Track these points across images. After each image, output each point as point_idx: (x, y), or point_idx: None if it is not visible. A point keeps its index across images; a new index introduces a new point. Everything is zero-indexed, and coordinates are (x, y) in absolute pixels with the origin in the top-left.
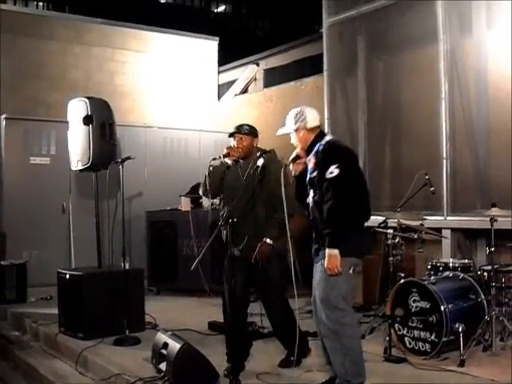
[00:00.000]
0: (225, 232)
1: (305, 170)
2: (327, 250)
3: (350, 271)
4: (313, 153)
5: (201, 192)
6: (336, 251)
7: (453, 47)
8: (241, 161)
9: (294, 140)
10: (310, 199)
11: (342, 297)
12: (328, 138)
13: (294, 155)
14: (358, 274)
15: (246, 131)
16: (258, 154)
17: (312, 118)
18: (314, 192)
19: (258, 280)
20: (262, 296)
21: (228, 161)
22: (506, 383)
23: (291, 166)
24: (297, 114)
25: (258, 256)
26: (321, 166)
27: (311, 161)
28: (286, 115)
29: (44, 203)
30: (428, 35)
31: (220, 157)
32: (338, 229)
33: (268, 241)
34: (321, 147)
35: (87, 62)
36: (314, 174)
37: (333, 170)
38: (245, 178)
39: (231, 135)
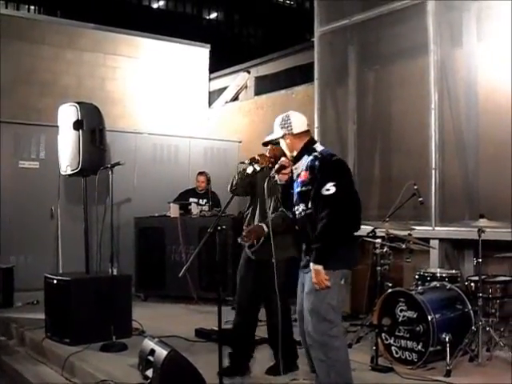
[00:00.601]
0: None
1: (290, 179)
2: (312, 265)
3: (342, 282)
4: (304, 165)
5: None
6: (321, 267)
7: (443, 58)
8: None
9: (283, 147)
10: (299, 211)
11: (333, 308)
12: (319, 148)
13: (277, 166)
14: (347, 285)
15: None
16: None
17: (298, 124)
18: (306, 205)
19: (265, 280)
20: (266, 297)
21: (257, 167)
22: None
23: (276, 176)
24: (282, 120)
25: (246, 235)
26: (316, 181)
27: (302, 174)
28: None
29: (32, 207)
30: (418, 47)
31: (250, 162)
32: (327, 245)
33: (264, 227)
34: (315, 162)
35: (79, 68)
36: (308, 187)
37: (329, 188)
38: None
39: (265, 144)
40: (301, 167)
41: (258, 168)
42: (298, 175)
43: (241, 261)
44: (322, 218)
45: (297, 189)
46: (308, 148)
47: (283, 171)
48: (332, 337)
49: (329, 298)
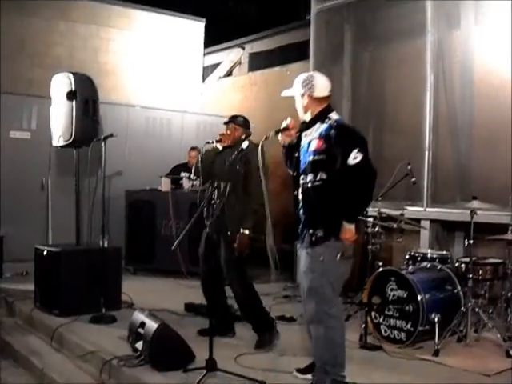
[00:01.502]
0: (205, 212)
1: (297, 143)
2: (348, 225)
3: (338, 257)
4: (317, 133)
5: (193, 174)
6: (353, 226)
7: (440, 40)
8: (229, 150)
9: (297, 104)
10: (306, 181)
11: (331, 285)
12: (334, 116)
13: (283, 126)
14: (348, 260)
15: (240, 123)
16: (243, 137)
17: (321, 88)
18: (315, 176)
19: (220, 259)
20: (226, 275)
21: (219, 146)
22: (478, 373)
23: (279, 136)
24: (306, 79)
25: (238, 247)
26: (336, 149)
27: (314, 142)
28: (269, 99)
29: (23, 178)
30: (416, 28)
31: (213, 141)
32: (361, 208)
33: (246, 232)
34: (331, 131)
35: (71, 39)
36: (322, 157)
37: (356, 156)
38: (228, 163)
39: (226, 123)
40: (313, 134)
41: (220, 147)
42: (309, 143)
43: (202, 238)
44: (355, 186)
45: (308, 157)
46: (323, 115)
47: (286, 132)
48: (331, 316)
49: (327, 275)
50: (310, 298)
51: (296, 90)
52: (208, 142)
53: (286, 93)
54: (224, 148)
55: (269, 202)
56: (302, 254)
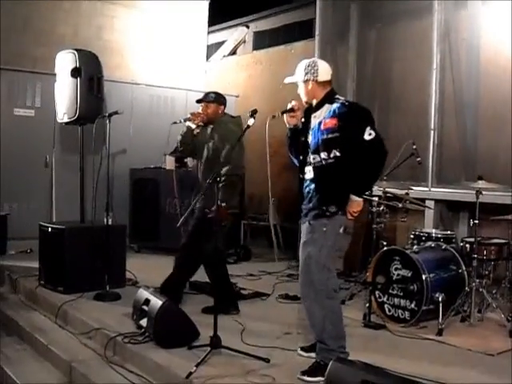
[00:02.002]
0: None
1: (303, 127)
2: (357, 198)
3: (341, 230)
4: (328, 113)
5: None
6: (361, 200)
7: (447, 19)
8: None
9: (301, 91)
10: (317, 160)
11: (330, 256)
12: (342, 98)
13: (288, 107)
14: (348, 235)
15: (211, 99)
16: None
17: (324, 72)
18: (329, 154)
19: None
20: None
21: (191, 125)
22: (481, 353)
23: (284, 117)
24: (308, 65)
25: (219, 219)
26: (350, 126)
27: (326, 121)
28: (274, 78)
29: (27, 156)
30: (422, 6)
31: (181, 121)
32: (367, 182)
33: (224, 204)
34: (343, 108)
35: (76, 17)
36: (336, 134)
37: (371, 132)
38: (205, 140)
39: (198, 101)
40: (322, 115)
41: (192, 125)
42: (320, 123)
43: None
44: (368, 161)
45: (320, 136)
46: (330, 97)
47: (292, 114)
48: (329, 287)
49: (327, 245)
50: (309, 267)
51: (299, 77)
52: (175, 122)
53: (288, 79)
54: (204, 125)
55: (271, 182)
56: (304, 227)
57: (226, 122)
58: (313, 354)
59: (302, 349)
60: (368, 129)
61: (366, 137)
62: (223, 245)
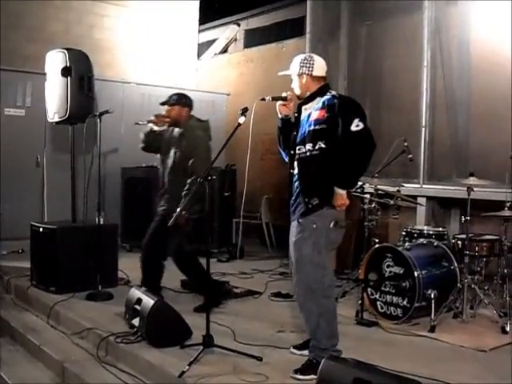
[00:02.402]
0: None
1: (296, 121)
2: (341, 190)
3: (331, 225)
4: (318, 105)
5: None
6: (344, 191)
7: (437, 15)
8: (176, 129)
9: (295, 84)
10: (303, 151)
11: (323, 253)
12: (334, 92)
13: (283, 95)
14: (341, 229)
15: (173, 101)
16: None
17: (319, 67)
18: (314, 145)
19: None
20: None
21: (154, 127)
22: (474, 349)
23: (277, 106)
24: (304, 59)
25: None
26: (338, 118)
27: (315, 113)
28: (265, 76)
29: (18, 156)
30: (413, 3)
31: (144, 122)
32: (357, 175)
33: (184, 213)
34: (332, 100)
35: (67, 15)
36: (323, 126)
37: (358, 124)
38: (175, 144)
39: (162, 104)
40: (313, 107)
41: (155, 128)
42: (309, 114)
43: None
44: (354, 152)
45: (308, 128)
46: (322, 91)
47: (284, 102)
48: (324, 285)
49: (319, 242)
50: (303, 267)
51: (294, 70)
52: (138, 123)
53: (284, 72)
54: (169, 127)
55: (264, 180)
56: (293, 225)
57: (193, 127)
58: (305, 352)
59: (295, 347)
60: (356, 120)
61: (353, 128)
62: (188, 243)
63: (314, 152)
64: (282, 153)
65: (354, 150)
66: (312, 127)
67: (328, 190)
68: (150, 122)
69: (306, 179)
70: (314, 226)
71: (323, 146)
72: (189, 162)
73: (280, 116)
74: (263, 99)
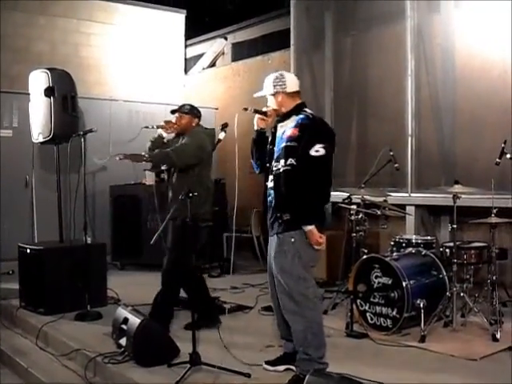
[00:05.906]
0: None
1: (273, 137)
2: (304, 228)
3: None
4: (293, 123)
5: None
6: (312, 227)
7: (420, 24)
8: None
9: (271, 103)
10: (277, 167)
11: (303, 266)
12: (309, 111)
13: (264, 109)
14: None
15: (186, 110)
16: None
17: (292, 83)
18: (285, 162)
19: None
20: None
21: (163, 133)
22: (465, 358)
23: (255, 118)
24: (276, 78)
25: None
26: (306, 140)
27: (289, 130)
28: (252, 89)
29: (6, 176)
30: (395, 12)
31: (153, 127)
32: (312, 206)
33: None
34: (306, 120)
35: (52, 34)
36: (294, 144)
37: (319, 149)
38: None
39: (173, 112)
40: (288, 125)
41: (164, 134)
42: (283, 132)
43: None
44: (307, 179)
45: (281, 144)
46: (298, 108)
47: (263, 117)
48: (308, 297)
49: (299, 256)
50: (285, 280)
51: (268, 90)
52: (147, 127)
53: (259, 94)
54: (176, 135)
55: (254, 193)
56: (272, 240)
57: (198, 131)
58: (279, 368)
59: (267, 363)
60: (318, 146)
61: (312, 152)
62: (194, 259)
63: (286, 167)
64: (254, 164)
65: (311, 175)
66: (284, 143)
67: (298, 207)
68: (159, 126)
69: (278, 194)
70: (293, 239)
71: (294, 163)
72: (194, 169)
73: (256, 128)
74: (245, 109)
